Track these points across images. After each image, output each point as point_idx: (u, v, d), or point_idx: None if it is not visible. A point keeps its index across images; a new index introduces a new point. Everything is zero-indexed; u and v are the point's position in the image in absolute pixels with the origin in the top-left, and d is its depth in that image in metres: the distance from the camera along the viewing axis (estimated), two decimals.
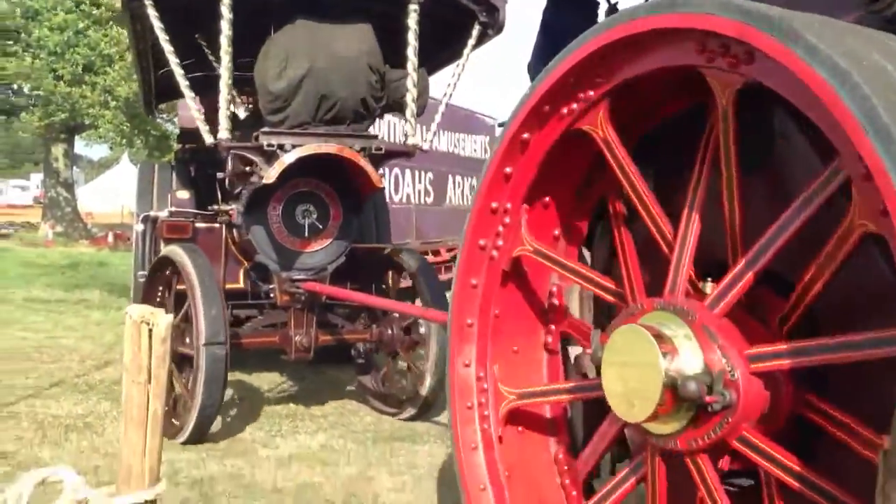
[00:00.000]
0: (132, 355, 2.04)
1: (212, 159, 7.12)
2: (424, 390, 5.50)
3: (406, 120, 5.36)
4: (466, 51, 5.56)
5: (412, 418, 5.64)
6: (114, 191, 42.62)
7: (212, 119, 5.31)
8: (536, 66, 3.68)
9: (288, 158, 4.86)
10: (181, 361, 5.16)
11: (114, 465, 4.47)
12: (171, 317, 2.07)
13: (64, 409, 5.60)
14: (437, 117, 5.76)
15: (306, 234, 5.39)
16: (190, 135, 7.78)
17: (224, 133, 4.84)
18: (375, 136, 5.41)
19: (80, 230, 24.61)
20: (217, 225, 6.16)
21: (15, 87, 23.02)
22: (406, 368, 5.95)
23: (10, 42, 21.11)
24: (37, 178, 56.75)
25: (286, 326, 5.58)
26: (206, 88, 6.53)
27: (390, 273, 6.25)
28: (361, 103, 5.17)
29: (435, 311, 4.47)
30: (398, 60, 5.29)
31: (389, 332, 5.76)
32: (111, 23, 21.27)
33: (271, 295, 5.61)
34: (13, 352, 7.59)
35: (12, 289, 12.49)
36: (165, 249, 5.40)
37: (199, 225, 6.10)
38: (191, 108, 4.92)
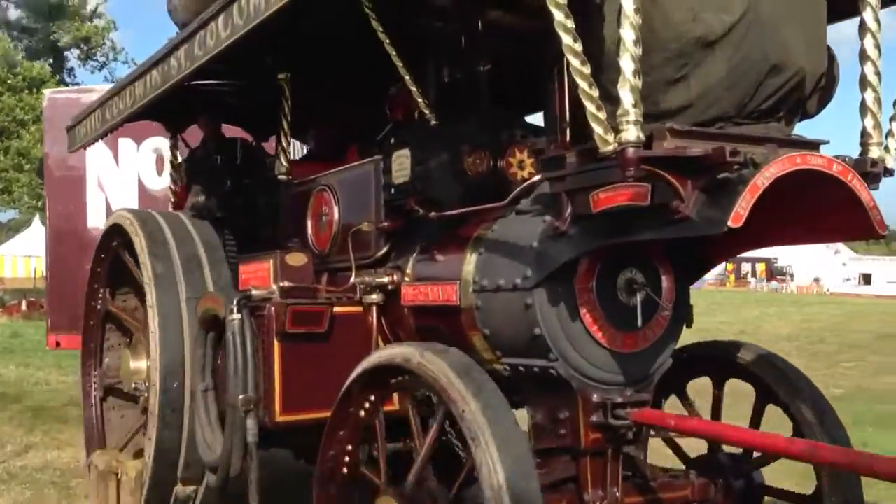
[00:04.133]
0: None
1: (251, 204, 4.94)
2: None
3: (869, 112, 2.80)
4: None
5: None
6: (25, 255, 41.01)
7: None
8: None
9: (762, 181, 2.45)
10: None
11: None
12: (139, 463, 1.91)
13: None
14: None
15: (639, 322, 2.98)
16: (199, 165, 5.22)
17: (632, 133, 2.37)
18: (823, 143, 2.88)
19: None
20: (360, 308, 3.79)
21: None
22: None
23: None
24: None
25: (577, 483, 3.08)
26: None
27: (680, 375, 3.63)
28: (816, 83, 2.88)
29: (876, 457, 2.31)
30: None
31: (722, 482, 3.34)
32: (27, 90, 20.75)
33: (562, 431, 3.09)
34: None
35: None
36: (385, 354, 3.08)
37: (337, 310, 3.71)
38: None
